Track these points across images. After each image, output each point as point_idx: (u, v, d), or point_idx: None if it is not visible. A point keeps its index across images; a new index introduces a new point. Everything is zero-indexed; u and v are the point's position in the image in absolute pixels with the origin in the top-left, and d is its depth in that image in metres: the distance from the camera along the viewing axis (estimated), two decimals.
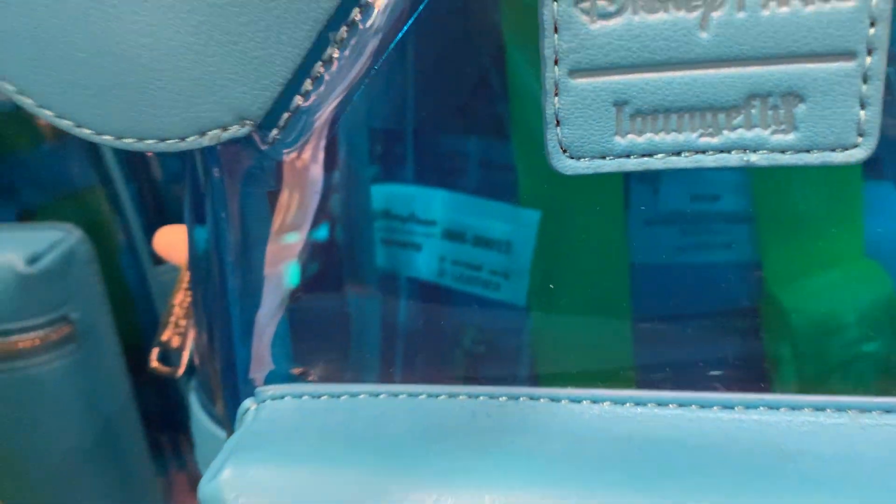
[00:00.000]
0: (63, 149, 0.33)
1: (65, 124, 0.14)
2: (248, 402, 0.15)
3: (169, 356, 0.28)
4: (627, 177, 0.23)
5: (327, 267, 0.20)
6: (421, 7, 0.16)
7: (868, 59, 0.12)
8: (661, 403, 0.14)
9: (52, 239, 0.28)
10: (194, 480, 0.37)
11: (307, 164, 0.17)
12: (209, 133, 0.14)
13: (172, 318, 0.21)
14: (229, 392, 0.17)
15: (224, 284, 0.17)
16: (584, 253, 0.24)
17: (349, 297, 0.21)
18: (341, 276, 0.21)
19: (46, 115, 0.14)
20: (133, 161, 0.32)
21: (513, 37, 0.20)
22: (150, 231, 0.33)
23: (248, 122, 0.14)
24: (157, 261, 0.32)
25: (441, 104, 0.21)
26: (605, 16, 0.12)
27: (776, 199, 0.22)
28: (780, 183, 0.22)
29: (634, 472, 0.12)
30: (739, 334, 0.23)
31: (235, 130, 0.14)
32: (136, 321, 0.32)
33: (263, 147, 0.15)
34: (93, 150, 0.32)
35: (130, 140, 0.15)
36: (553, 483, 0.12)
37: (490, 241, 0.24)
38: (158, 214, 0.33)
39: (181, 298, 0.21)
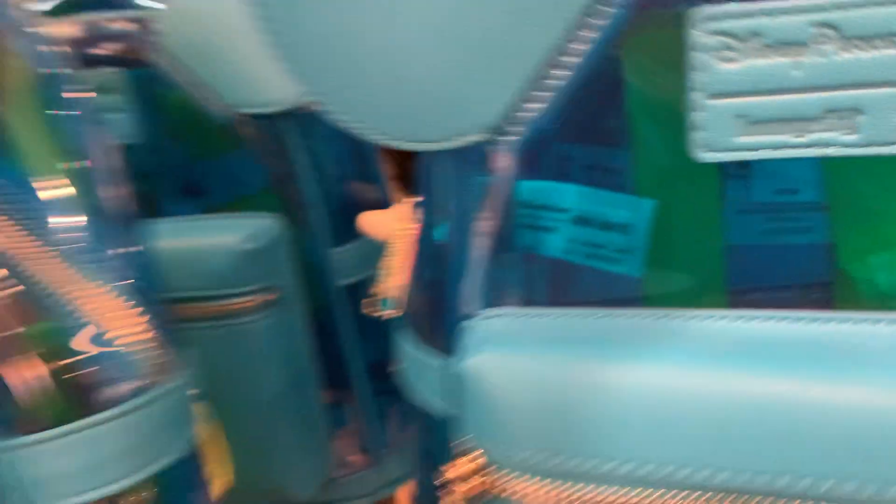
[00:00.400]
0: (243, 156, 0.41)
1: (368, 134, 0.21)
2: (476, 318, 0.22)
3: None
4: (724, 175, 0.30)
5: (498, 242, 0.27)
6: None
7: None
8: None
9: (262, 225, 0.36)
10: (357, 439, 0.43)
11: (502, 161, 0.24)
12: (457, 139, 0.21)
13: (386, 275, 0.28)
14: (448, 325, 0.24)
15: (445, 247, 0.24)
16: (688, 235, 0.31)
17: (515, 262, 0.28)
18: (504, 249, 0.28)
19: (355, 127, 0.21)
20: (316, 161, 0.40)
21: (634, 73, 0.26)
22: (331, 217, 0.40)
23: (488, 132, 0.21)
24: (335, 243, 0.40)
25: (579, 121, 0.28)
26: (730, 60, 0.19)
27: (846, 191, 0.28)
28: (848, 178, 0.28)
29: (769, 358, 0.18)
30: (816, 304, 0.29)
31: (477, 138, 0.21)
32: (320, 290, 0.39)
33: (484, 145, 0.22)
34: (279, 154, 0.39)
35: (401, 142, 0.22)
36: (717, 363, 0.18)
37: (613, 224, 0.31)
38: (335, 206, 0.41)
39: (390, 262, 0.28)
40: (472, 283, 0.24)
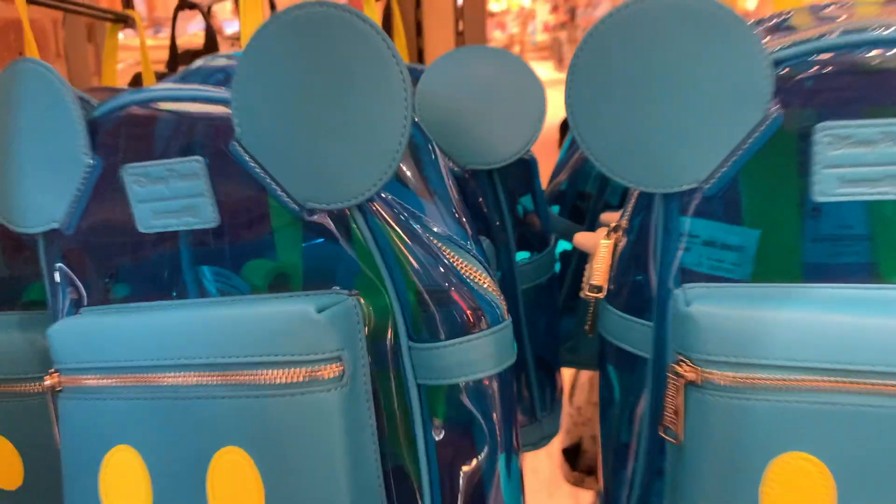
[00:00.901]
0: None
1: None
2: (679, 289, 0.39)
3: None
4: (803, 217, 0.47)
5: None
6: None
7: None
8: None
9: (334, 299, 0.39)
10: (525, 403, 0.58)
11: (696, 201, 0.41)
12: (674, 186, 0.38)
13: (591, 273, 0.44)
14: (654, 297, 0.40)
15: (652, 252, 0.41)
16: (778, 254, 0.47)
17: None
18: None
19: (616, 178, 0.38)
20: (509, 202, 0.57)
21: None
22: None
23: (697, 182, 0.38)
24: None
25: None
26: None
27: (886, 227, 0.45)
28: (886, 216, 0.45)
29: None
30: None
31: (689, 186, 0.38)
32: (508, 293, 0.55)
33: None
34: (490, 197, 0.56)
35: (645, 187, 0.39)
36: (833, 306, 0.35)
37: (730, 245, 0.48)
38: (518, 232, 0.58)
39: (598, 264, 0.45)
40: (668, 273, 0.42)
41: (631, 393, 0.46)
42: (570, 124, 0.40)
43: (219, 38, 1.03)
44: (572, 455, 1.26)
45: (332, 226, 0.40)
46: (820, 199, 0.38)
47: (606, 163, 0.39)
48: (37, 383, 0.50)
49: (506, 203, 0.56)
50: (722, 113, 0.36)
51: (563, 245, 0.69)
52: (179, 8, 0.95)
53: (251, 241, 0.44)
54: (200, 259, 0.45)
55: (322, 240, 0.43)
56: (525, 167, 0.56)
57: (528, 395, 0.59)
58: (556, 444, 1.30)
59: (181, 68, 0.69)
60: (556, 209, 0.71)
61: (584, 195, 0.71)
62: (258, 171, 0.38)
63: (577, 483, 1.31)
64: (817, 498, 0.36)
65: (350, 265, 0.41)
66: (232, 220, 0.41)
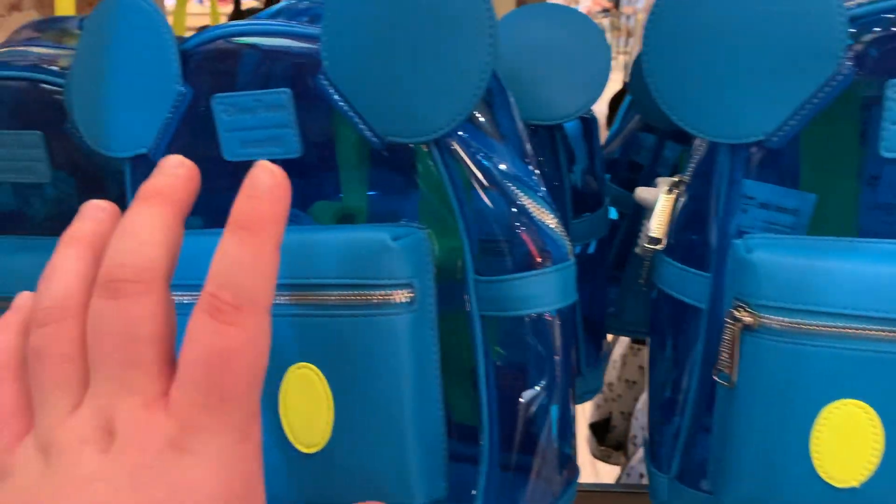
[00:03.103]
0: None
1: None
2: (740, 240, 0.40)
3: None
4: (861, 184, 0.48)
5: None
6: None
7: None
8: None
9: (408, 231, 0.40)
10: None
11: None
12: (742, 138, 0.40)
13: (649, 227, 0.46)
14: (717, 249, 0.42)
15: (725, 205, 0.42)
16: (833, 219, 0.48)
17: None
18: None
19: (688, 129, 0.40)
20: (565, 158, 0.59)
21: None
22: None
23: (765, 134, 0.39)
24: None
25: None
26: None
27: None
28: None
29: None
30: None
31: (756, 138, 0.39)
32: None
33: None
34: (550, 153, 0.58)
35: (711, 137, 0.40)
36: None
37: (786, 209, 0.49)
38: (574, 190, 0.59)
39: (658, 217, 0.47)
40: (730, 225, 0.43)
41: (682, 345, 0.47)
42: (644, 72, 0.41)
43: None
44: (600, 430, 1.28)
45: (406, 162, 0.42)
46: (886, 154, 0.39)
47: (678, 111, 0.41)
48: None
49: (564, 161, 0.58)
50: (796, 64, 0.38)
51: (611, 213, 0.70)
52: None
53: (323, 179, 0.46)
54: None
55: (392, 178, 0.45)
56: (586, 126, 0.58)
57: (574, 351, 0.60)
58: (582, 419, 1.32)
59: None
60: (606, 177, 0.72)
61: (636, 165, 0.73)
62: (343, 104, 0.40)
63: (604, 458, 1.33)
64: (867, 444, 0.38)
65: (418, 203, 0.43)
66: (311, 154, 0.43)
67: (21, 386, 0.31)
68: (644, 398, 1.22)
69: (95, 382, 0.29)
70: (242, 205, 0.30)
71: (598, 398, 1.27)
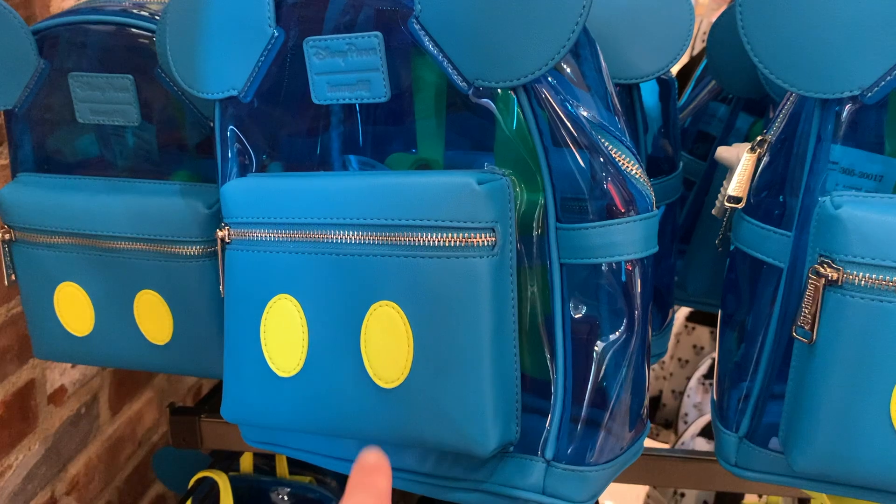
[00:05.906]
0: None
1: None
2: (825, 198, 0.40)
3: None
4: None
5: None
6: None
7: None
8: None
9: (495, 174, 0.41)
10: None
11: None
12: (838, 92, 0.39)
13: (728, 186, 0.46)
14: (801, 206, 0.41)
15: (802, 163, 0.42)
16: None
17: None
18: None
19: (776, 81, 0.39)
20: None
21: None
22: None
23: (860, 89, 0.39)
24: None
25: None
26: None
27: None
28: None
29: None
30: None
31: (851, 93, 0.39)
32: None
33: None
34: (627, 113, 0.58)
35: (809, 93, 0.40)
36: None
37: (869, 174, 0.48)
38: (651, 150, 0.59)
39: (739, 176, 0.46)
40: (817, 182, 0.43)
41: (759, 305, 0.47)
42: (738, 25, 0.41)
43: None
44: (650, 408, 1.28)
45: (486, 112, 0.42)
46: None
47: (772, 66, 0.41)
48: (194, 246, 0.54)
49: (641, 122, 0.57)
50: (893, 18, 0.37)
51: None
52: None
53: (401, 128, 0.47)
54: (348, 148, 0.48)
55: (470, 129, 0.45)
56: (665, 87, 0.57)
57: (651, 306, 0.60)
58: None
59: None
60: None
61: (707, 136, 0.72)
62: (433, 48, 0.41)
63: (653, 436, 1.32)
64: None
65: (494, 155, 0.43)
66: (396, 100, 0.44)
67: None
68: (697, 375, 1.21)
69: None
70: None
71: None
